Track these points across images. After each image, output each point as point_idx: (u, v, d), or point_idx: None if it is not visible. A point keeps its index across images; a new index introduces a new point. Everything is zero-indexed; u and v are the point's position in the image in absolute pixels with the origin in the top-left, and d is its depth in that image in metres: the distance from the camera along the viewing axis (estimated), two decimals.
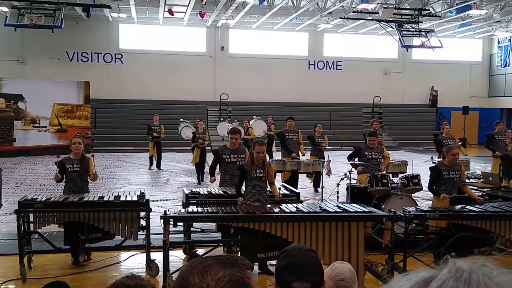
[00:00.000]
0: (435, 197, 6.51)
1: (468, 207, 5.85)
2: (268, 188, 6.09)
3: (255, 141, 6.12)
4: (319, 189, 10.06)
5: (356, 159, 8.05)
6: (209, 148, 14.50)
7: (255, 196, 5.82)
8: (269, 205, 5.72)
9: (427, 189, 6.81)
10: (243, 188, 5.94)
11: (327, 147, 10.86)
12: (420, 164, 14.10)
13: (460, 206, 5.90)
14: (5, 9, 17.92)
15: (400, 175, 8.80)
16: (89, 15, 17.56)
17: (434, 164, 6.81)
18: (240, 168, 5.97)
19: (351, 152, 8.16)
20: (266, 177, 5.94)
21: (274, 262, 5.59)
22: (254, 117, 16.67)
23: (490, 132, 11.03)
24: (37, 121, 18.54)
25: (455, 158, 6.42)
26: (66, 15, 18.43)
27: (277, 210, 5.39)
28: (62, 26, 17.24)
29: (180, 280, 1.10)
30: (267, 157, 7.90)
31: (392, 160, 10.33)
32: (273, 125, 16.04)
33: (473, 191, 6.91)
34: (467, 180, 8.00)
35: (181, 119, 16.53)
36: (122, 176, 13.64)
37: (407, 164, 10.20)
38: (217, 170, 7.14)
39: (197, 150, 12.61)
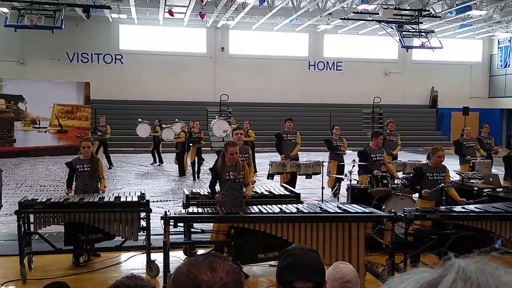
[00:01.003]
0: (419, 198, 6.49)
1: (468, 206, 5.85)
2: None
3: (227, 142, 6.08)
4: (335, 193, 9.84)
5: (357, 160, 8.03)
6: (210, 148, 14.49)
7: (230, 199, 5.76)
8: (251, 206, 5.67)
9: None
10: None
11: (346, 151, 10.25)
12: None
13: (444, 207, 5.86)
14: (5, 10, 17.93)
15: (401, 176, 8.76)
16: (89, 16, 17.56)
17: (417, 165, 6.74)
18: (213, 170, 5.91)
19: (360, 159, 7.93)
20: (240, 179, 5.84)
21: (264, 263, 5.59)
22: (216, 116, 16.19)
23: (511, 133, 11.03)
24: (37, 122, 18.54)
25: (440, 160, 6.34)
26: (66, 16, 18.43)
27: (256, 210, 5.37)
28: (62, 27, 17.24)
29: (187, 280, 1.10)
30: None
31: (409, 161, 10.20)
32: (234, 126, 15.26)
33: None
34: (465, 181, 8.02)
35: (139, 119, 16.46)
36: (122, 176, 13.64)
37: None
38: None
39: (192, 149, 12.92)
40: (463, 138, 10.37)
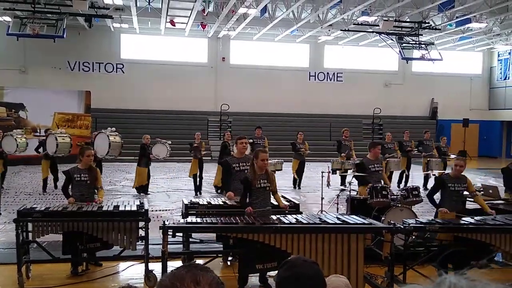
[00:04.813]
0: (439, 210, 6.44)
1: (468, 219, 5.83)
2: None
3: (257, 150, 6.10)
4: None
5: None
6: (209, 158, 14.44)
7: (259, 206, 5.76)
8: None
9: (427, 202, 6.73)
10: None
11: (306, 152, 13.02)
12: (420, 176, 14.09)
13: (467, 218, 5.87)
14: (7, 18, 18.03)
15: (400, 187, 8.77)
16: (91, 25, 17.68)
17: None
18: (244, 180, 5.86)
19: (357, 171, 7.93)
20: (270, 187, 5.86)
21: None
22: (101, 130, 13.41)
23: (420, 139, 14.46)
24: (38, 130, 18.54)
25: (459, 170, 6.33)
26: (68, 25, 18.52)
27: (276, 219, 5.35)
28: (64, 36, 17.33)
29: None
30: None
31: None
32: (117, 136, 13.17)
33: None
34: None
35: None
36: (122, 185, 13.62)
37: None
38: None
39: (194, 161, 12.37)
40: (384, 141, 13.39)
